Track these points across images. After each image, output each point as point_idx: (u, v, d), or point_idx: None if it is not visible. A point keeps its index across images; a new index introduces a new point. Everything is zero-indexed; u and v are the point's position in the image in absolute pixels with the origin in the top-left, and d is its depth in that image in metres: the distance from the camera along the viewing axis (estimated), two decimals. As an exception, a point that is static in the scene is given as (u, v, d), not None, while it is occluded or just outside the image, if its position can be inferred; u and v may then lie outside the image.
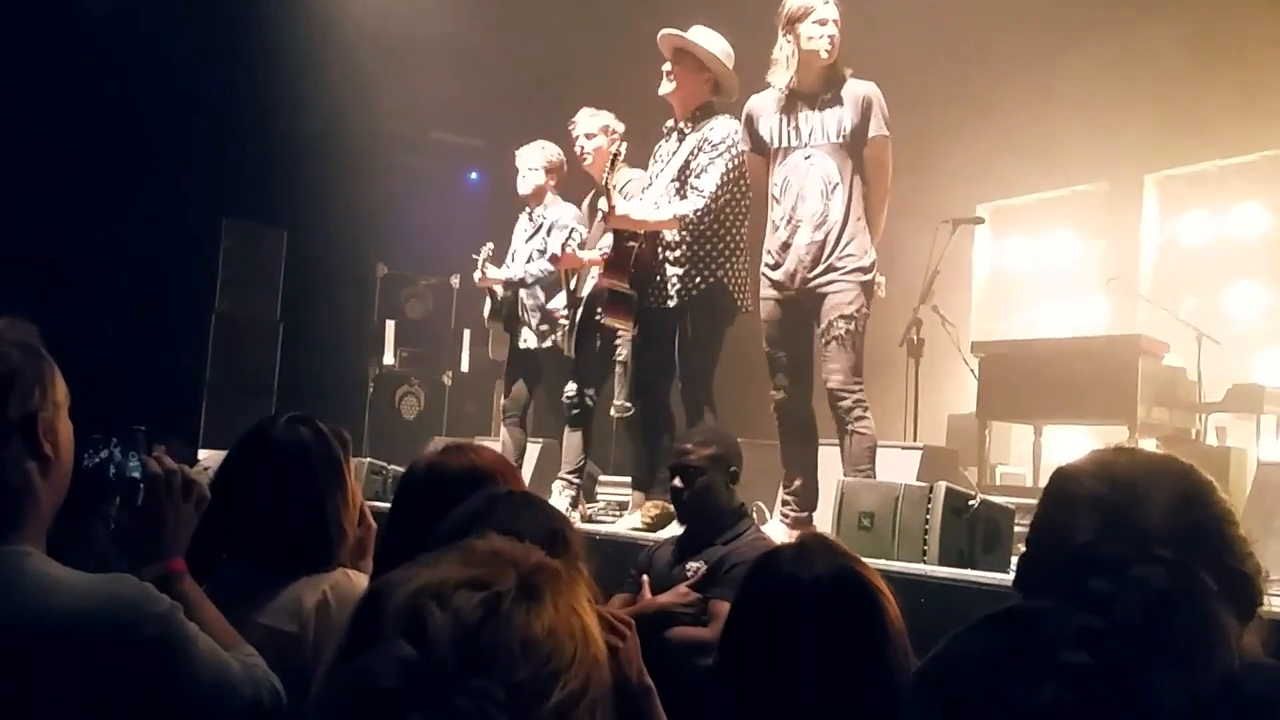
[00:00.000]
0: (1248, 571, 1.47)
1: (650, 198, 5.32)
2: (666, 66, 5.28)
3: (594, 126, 6.07)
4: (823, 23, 4.71)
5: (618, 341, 5.80)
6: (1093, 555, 1.42)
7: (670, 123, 5.42)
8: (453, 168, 10.31)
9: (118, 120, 8.18)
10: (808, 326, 4.79)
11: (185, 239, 8.73)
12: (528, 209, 6.62)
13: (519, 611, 1.01)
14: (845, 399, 4.59)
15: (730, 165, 5.11)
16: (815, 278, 4.70)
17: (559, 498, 5.77)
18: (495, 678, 0.98)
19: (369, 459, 6.67)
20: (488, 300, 6.69)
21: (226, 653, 1.89)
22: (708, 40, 5.25)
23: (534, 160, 6.50)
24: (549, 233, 6.37)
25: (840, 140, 4.69)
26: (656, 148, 5.53)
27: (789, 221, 4.78)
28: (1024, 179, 8.61)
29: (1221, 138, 7.64)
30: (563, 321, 6.09)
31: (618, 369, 5.80)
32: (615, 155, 5.46)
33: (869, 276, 4.70)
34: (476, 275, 6.65)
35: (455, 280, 9.84)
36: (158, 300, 8.39)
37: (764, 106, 4.90)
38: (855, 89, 4.72)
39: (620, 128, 6.03)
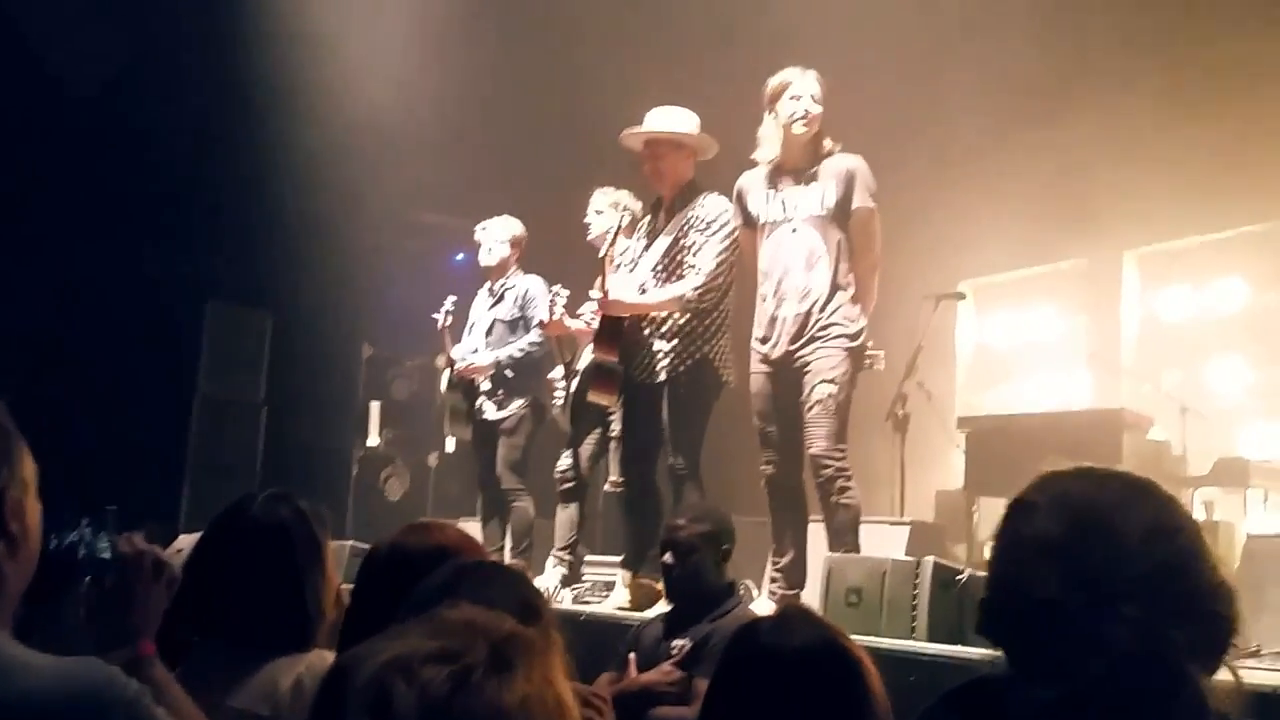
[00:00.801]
0: (1220, 611, 1.40)
1: (638, 274, 5.33)
2: (643, 162, 5.35)
3: (603, 203, 6.12)
4: (797, 98, 4.78)
5: (611, 416, 5.77)
6: (1052, 612, 1.36)
7: (656, 200, 5.47)
8: (439, 248, 10.33)
9: (101, 201, 8.20)
10: (795, 399, 4.78)
11: (169, 321, 8.71)
12: (489, 282, 6.69)
13: (490, 684, 0.98)
14: (827, 466, 4.57)
15: (726, 244, 5.14)
16: (800, 349, 4.72)
17: (551, 574, 5.71)
18: None
19: (351, 541, 6.60)
20: (445, 372, 6.69)
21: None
22: (669, 120, 5.31)
23: (499, 234, 6.59)
24: (517, 305, 6.41)
25: (824, 213, 4.73)
26: (641, 223, 5.56)
27: (776, 295, 4.82)
28: (1006, 256, 8.66)
29: (1200, 213, 7.70)
30: (558, 394, 6.07)
31: (612, 444, 5.77)
32: (615, 231, 5.49)
33: (855, 344, 4.71)
34: (458, 364, 6.65)
35: (441, 361, 9.83)
36: (140, 382, 8.34)
37: (752, 183, 4.97)
38: (839, 163, 4.79)
39: (636, 205, 6.04)
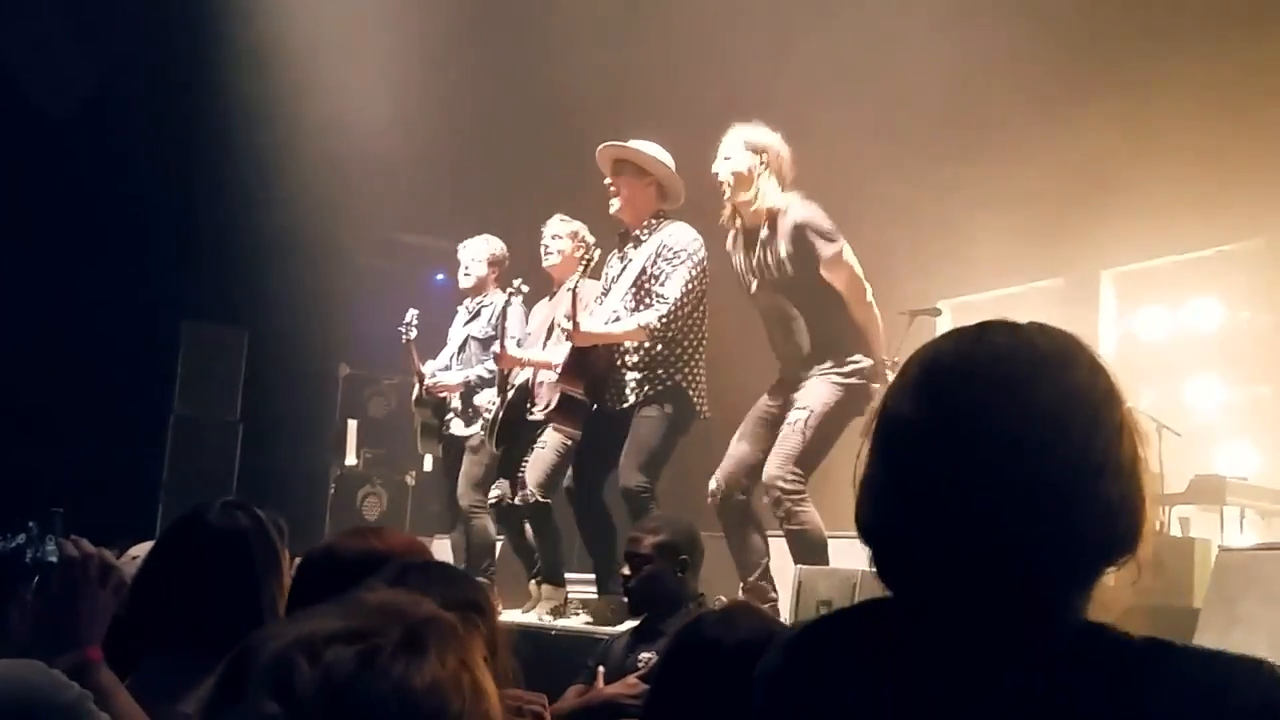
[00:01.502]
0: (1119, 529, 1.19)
1: (608, 305, 5.31)
2: (608, 182, 5.32)
3: (563, 230, 6.11)
4: (721, 159, 4.77)
5: (540, 433, 5.70)
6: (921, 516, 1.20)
7: (623, 231, 5.45)
8: (417, 268, 10.31)
9: (77, 220, 8.17)
10: None
11: (144, 340, 8.67)
12: (466, 300, 6.69)
13: (398, 665, 0.94)
14: (773, 489, 4.55)
15: (693, 272, 5.12)
16: (793, 393, 4.74)
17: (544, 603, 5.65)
18: None
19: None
20: (415, 387, 6.68)
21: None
22: (644, 147, 5.31)
23: (478, 253, 6.58)
24: (491, 323, 6.40)
25: (782, 276, 4.70)
26: (610, 256, 5.54)
27: (776, 356, 4.85)
28: (983, 276, 8.69)
29: (1177, 233, 7.73)
30: (487, 413, 6.01)
31: (543, 456, 5.67)
32: (587, 262, 5.46)
33: (847, 381, 4.65)
34: (426, 380, 6.63)
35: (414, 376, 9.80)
36: (115, 401, 8.30)
37: (729, 242, 4.97)
38: (791, 218, 4.70)
39: (591, 239, 6.05)
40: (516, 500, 5.63)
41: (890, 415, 1.27)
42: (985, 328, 1.29)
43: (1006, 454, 1.17)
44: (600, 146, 5.37)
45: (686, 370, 5.18)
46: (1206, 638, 3.67)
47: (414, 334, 6.63)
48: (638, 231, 5.32)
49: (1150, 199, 7.50)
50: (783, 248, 4.68)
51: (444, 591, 1.68)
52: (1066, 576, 1.19)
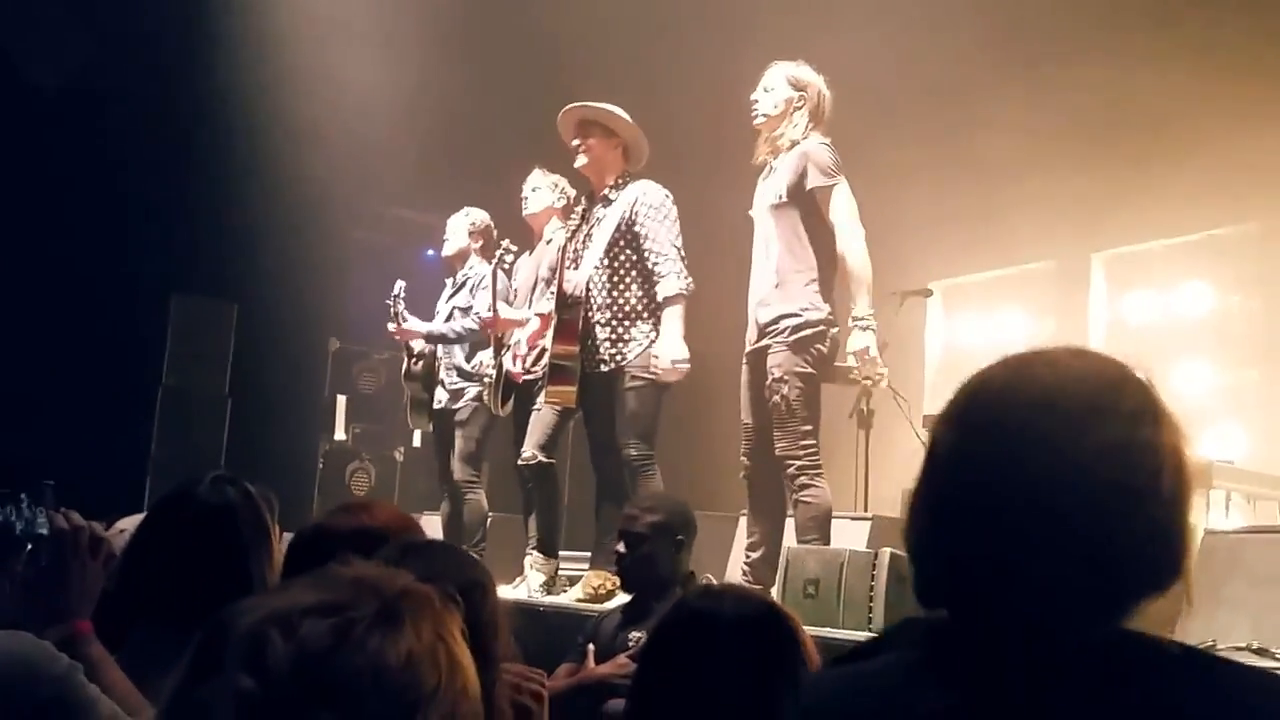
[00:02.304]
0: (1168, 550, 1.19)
1: (588, 262, 5.27)
2: (575, 142, 5.32)
3: (543, 182, 6.10)
4: (755, 90, 4.81)
5: (537, 389, 5.66)
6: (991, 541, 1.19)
7: (588, 194, 5.45)
8: (407, 243, 10.28)
9: (66, 192, 8.13)
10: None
11: (133, 313, 8.63)
12: (450, 274, 6.69)
13: (373, 638, 0.94)
14: (790, 465, 4.54)
15: (674, 229, 5.13)
16: (763, 341, 4.70)
17: (532, 577, 5.61)
18: (342, 710, 0.91)
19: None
20: (405, 361, 6.66)
21: (130, 719, 1.81)
22: (604, 106, 5.32)
23: (459, 223, 6.58)
24: (472, 292, 6.37)
25: (777, 201, 4.70)
26: (574, 216, 5.53)
27: (749, 288, 4.82)
28: (974, 257, 8.71)
29: (1167, 217, 7.74)
30: (489, 373, 5.97)
31: (533, 419, 5.63)
32: (576, 228, 5.43)
33: (809, 332, 4.64)
34: (391, 325, 6.62)
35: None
36: (104, 374, 8.27)
37: (760, 177, 4.97)
38: (800, 147, 4.73)
39: (572, 191, 6.04)
40: (518, 461, 5.57)
41: (938, 441, 1.27)
42: (1034, 355, 1.30)
43: (1052, 483, 1.17)
44: (565, 108, 5.36)
45: (658, 326, 5.16)
46: (1191, 621, 3.70)
47: (402, 306, 6.61)
48: (605, 191, 5.32)
49: (1141, 183, 7.52)
50: (785, 175, 4.71)
51: (446, 571, 1.68)
52: (1110, 603, 1.18)
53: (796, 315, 4.60)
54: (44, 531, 1.96)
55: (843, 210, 4.65)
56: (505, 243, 6.11)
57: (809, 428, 4.60)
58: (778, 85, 4.80)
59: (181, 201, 8.58)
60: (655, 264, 5.11)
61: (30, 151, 8.01)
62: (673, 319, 5.06)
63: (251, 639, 0.93)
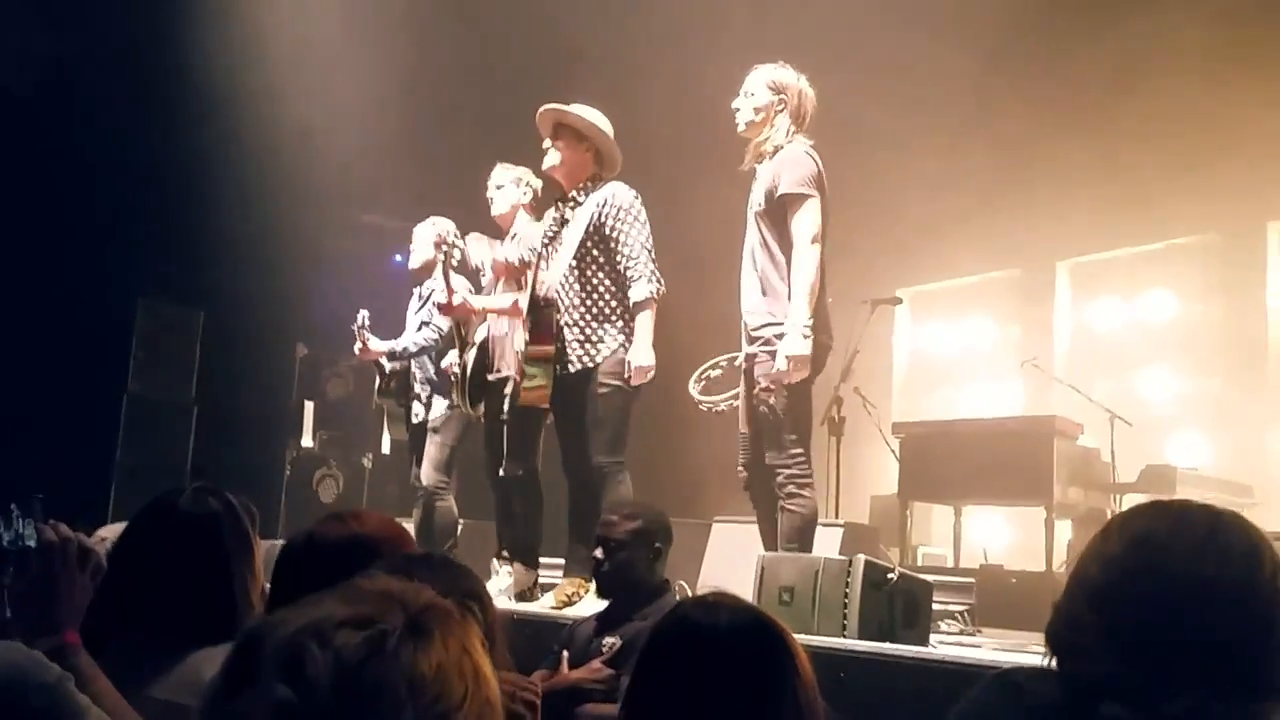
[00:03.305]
0: None
1: (558, 265, 5.26)
2: (546, 144, 5.32)
3: (506, 178, 6.07)
4: (735, 96, 4.80)
5: (506, 393, 5.62)
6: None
7: (560, 196, 5.44)
8: (376, 249, 10.25)
9: (32, 194, 8.05)
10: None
11: (98, 317, 8.55)
12: (417, 285, 6.65)
13: (405, 649, 0.96)
14: (779, 474, 4.53)
15: (645, 230, 5.13)
16: (750, 349, 4.70)
17: (501, 578, 5.59)
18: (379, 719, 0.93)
19: (282, 542, 6.50)
20: (377, 380, 6.65)
21: (119, 728, 1.82)
22: (585, 113, 5.32)
23: (424, 235, 6.56)
24: (435, 303, 6.35)
25: (758, 209, 4.69)
26: (545, 219, 5.52)
27: (740, 295, 4.80)
28: (941, 265, 8.79)
29: (1131, 225, 7.86)
30: (453, 375, 5.93)
31: (509, 429, 5.62)
32: (553, 237, 5.40)
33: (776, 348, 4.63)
34: (356, 347, 6.60)
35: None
36: (68, 379, 8.19)
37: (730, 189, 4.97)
38: (782, 154, 4.68)
39: (537, 183, 6.00)
40: (501, 473, 5.54)
41: (1096, 575, 1.58)
42: (1187, 510, 1.59)
43: (1199, 621, 1.49)
44: (541, 109, 5.36)
45: (629, 330, 5.15)
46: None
47: (368, 337, 6.58)
48: (574, 193, 5.32)
49: (1106, 192, 7.63)
50: (765, 180, 4.67)
51: (446, 582, 1.69)
52: (1233, 698, 1.47)
53: (780, 324, 4.56)
54: (32, 544, 1.96)
55: (805, 225, 4.55)
56: (452, 238, 6.08)
57: (795, 436, 4.55)
58: (757, 90, 4.77)
59: (149, 206, 8.51)
60: (626, 267, 5.09)
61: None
62: (644, 324, 5.05)
63: (289, 650, 0.95)
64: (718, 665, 1.75)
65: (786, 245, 4.60)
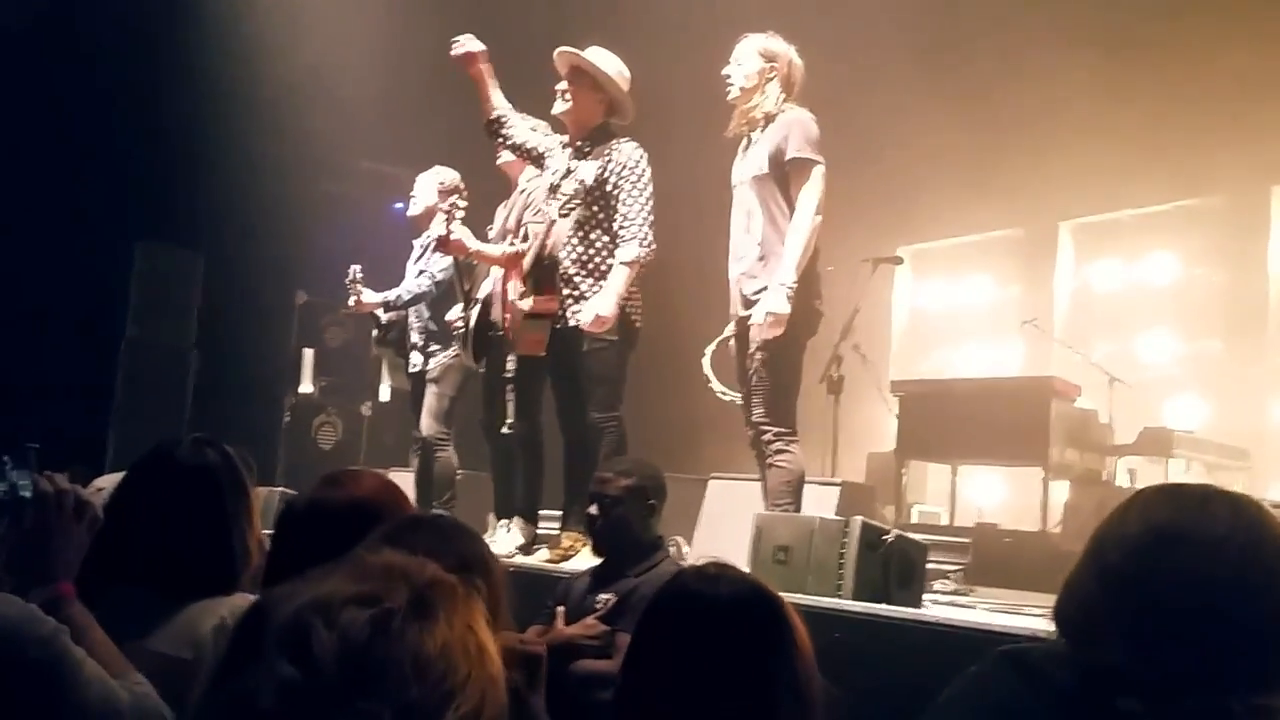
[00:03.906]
0: None
1: (561, 222, 5.22)
2: (562, 86, 5.27)
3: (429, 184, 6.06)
4: (726, 64, 4.78)
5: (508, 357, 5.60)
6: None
7: (565, 138, 5.39)
8: (376, 196, 10.20)
9: (29, 135, 8.00)
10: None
11: (96, 261, 8.52)
12: (418, 236, 6.62)
13: (411, 629, 0.97)
14: (766, 431, 4.56)
15: (647, 191, 5.10)
16: (745, 312, 4.70)
17: (512, 535, 5.59)
18: (383, 699, 0.93)
19: (281, 489, 6.53)
20: (375, 331, 6.62)
21: (115, 680, 1.82)
22: (604, 61, 5.25)
23: (426, 183, 6.51)
24: (432, 251, 6.31)
25: (760, 173, 4.68)
26: (548, 168, 5.47)
27: (730, 259, 4.81)
28: (942, 224, 8.76)
29: (1134, 187, 7.81)
30: (458, 329, 5.90)
31: (507, 384, 5.61)
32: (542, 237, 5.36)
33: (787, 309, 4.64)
34: (351, 301, 6.57)
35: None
36: (66, 324, 8.18)
37: (736, 150, 4.94)
38: (783, 118, 4.70)
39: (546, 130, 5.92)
40: (504, 429, 5.54)
41: (1114, 561, 1.54)
42: (1209, 500, 1.55)
43: (1213, 606, 1.47)
44: (559, 50, 5.30)
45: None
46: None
47: (361, 290, 6.55)
48: (581, 142, 5.28)
49: (1111, 152, 7.58)
50: (767, 145, 4.68)
51: (453, 546, 1.70)
52: (1251, 694, 1.45)
53: (778, 284, 4.57)
54: (28, 495, 1.96)
55: (811, 191, 4.58)
56: (455, 199, 5.99)
57: (784, 397, 4.60)
58: (748, 58, 4.77)
59: (150, 148, 8.46)
60: (622, 227, 5.07)
61: (-7, 93, 7.88)
62: (617, 278, 5.03)
63: (295, 628, 0.95)
64: (716, 636, 1.76)
65: (789, 210, 4.60)
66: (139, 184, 8.48)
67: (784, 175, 4.61)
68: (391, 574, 1.02)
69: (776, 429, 4.55)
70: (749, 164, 4.74)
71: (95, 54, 8.16)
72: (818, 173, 4.59)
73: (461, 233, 5.66)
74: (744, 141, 4.86)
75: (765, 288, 4.56)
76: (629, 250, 5.01)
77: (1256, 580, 1.47)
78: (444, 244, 5.74)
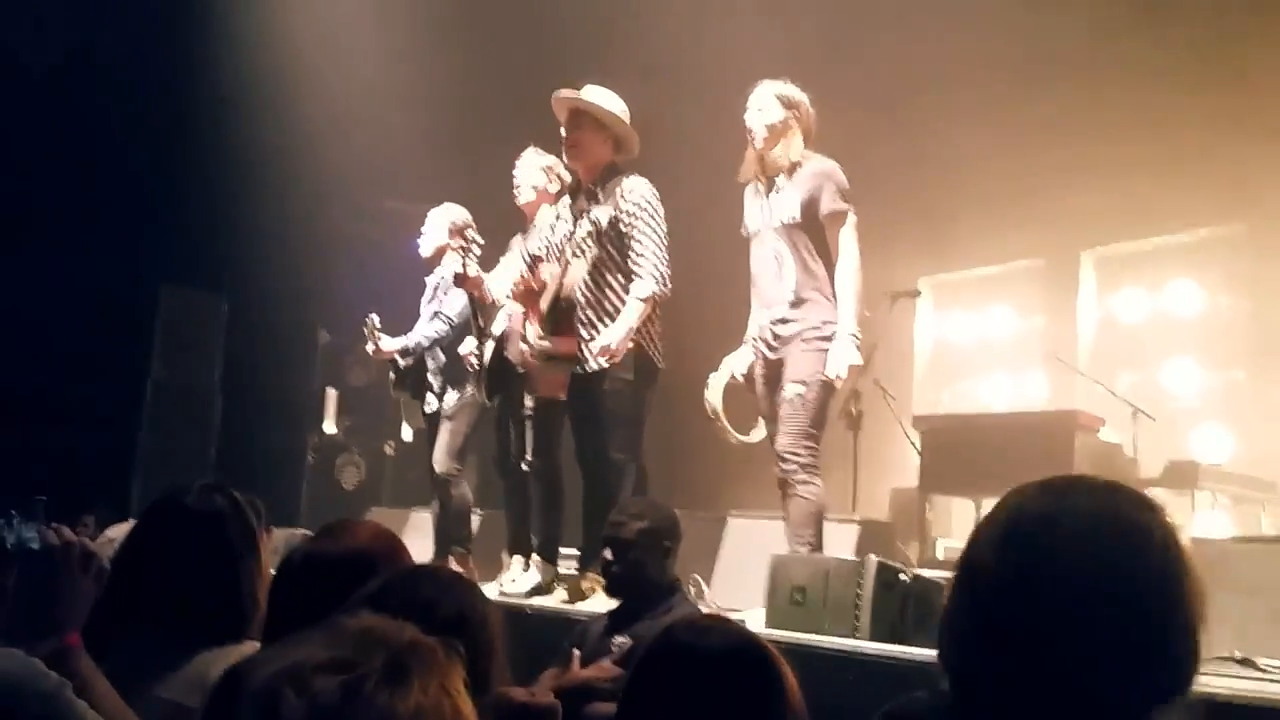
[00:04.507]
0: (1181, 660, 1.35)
1: (577, 265, 5.25)
2: (565, 133, 5.31)
3: (537, 164, 6.06)
4: (747, 110, 4.82)
5: (525, 385, 5.65)
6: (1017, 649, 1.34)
7: (574, 183, 5.44)
8: (398, 235, 10.25)
9: (57, 179, 8.10)
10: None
11: (122, 303, 8.60)
12: (429, 275, 6.66)
13: (382, 694, 0.96)
14: (789, 461, 4.57)
15: (660, 229, 5.14)
16: (777, 356, 4.75)
17: (524, 578, 5.58)
18: None
19: (304, 530, 6.55)
20: (391, 375, 6.66)
21: (118, 731, 1.82)
22: (603, 99, 5.29)
23: (438, 221, 6.55)
24: (445, 291, 6.36)
25: (790, 221, 4.74)
26: (561, 211, 5.52)
27: (757, 303, 4.86)
28: (964, 255, 8.71)
29: (1157, 216, 7.76)
30: (473, 363, 5.92)
31: (526, 421, 5.65)
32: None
33: (828, 345, 4.69)
34: (369, 348, 6.62)
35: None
36: (92, 366, 8.25)
37: (749, 193, 4.99)
38: (811, 168, 4.79)
39: (565, 175, 5.98)
40: (523, 466, 5.57)
41: (975, 564, 1.41)
42: (1071, 488, 1.42)
43: (1081, 612, 1.31)
44: (556, 94, 5.34)
45: (644, 327, 5.17)
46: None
47: (380, 337, 6.60)
48: (593, 184, 5.31)
49: (1133, 181, 7.53)
50: (798, 194, 4.76)
51: (443, 599, 1.69)
52: (1143, 710, 1.33)
53: (818, 328, 4.67)
54: (35, 546, 1.97)
55: (851, 240, 4.74)
56: (470, 232, 6.02)
57: (815, 431, 4.64)
58: (769, 105, 4.83)
59: (173, 191, 8.55)
60: (636, 264, 5.10)
61: (19, 137, 7.98)
62: (631, 312, 5.08)
63: (265, 695, 0.95)
64: (706, 688, 1.75)
65: (824, 256, 4.75)
66: (163, 226, 8.57)
67: (816, 223, 4.70)
68: (368, 638, 1.02)
69: (801, 459, 4.57)
70: (776, 211, 4.80)
71: (119, 94, 8.26)
72: (852, 221, 4.73)
73: (476, 272, 5.71)
74: (756, 186, 4.90)
75: (806, 329, 4.62)
76: (644, 287, 5.04)
77: (1127, 578, 1.33)
78: (462, 281, 5.78)
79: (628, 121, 5.32)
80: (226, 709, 0.97)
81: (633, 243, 5.11)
